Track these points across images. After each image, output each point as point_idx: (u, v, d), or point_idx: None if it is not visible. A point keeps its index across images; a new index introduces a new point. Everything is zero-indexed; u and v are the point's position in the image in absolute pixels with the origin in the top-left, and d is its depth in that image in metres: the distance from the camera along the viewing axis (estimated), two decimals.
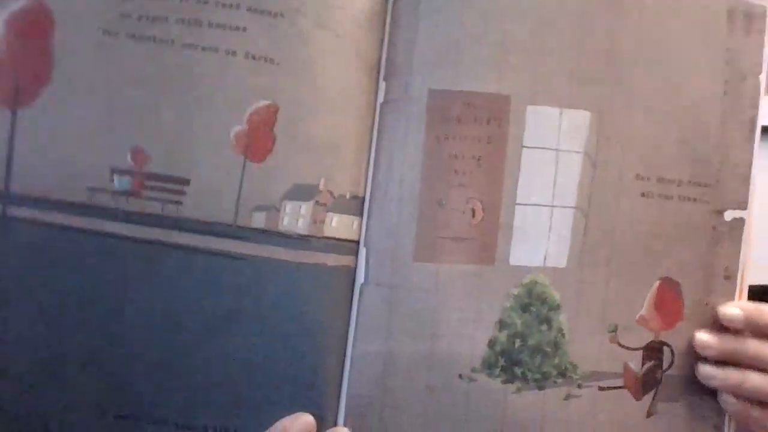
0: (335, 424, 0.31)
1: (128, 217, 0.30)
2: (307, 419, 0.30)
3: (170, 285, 0.30)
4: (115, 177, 0.30)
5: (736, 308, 0.32)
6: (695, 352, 0.32)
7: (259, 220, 0.31)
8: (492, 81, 0.31)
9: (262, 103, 0.31)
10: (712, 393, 0.33)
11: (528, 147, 0.31)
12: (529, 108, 0.31)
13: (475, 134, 0.31)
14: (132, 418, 0.30)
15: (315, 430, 0.30)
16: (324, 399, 0.31)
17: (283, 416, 0.30)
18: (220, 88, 0.31)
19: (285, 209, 0.31)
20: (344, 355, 0.32)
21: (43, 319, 0.30)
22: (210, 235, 0.31)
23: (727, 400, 0.32)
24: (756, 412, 0.31)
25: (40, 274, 0.30)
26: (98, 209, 0.30)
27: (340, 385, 0.31)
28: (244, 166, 0.31)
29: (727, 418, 0.33)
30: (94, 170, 0.30)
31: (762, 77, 0.33)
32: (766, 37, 0.33)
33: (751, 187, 0.33)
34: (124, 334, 0.30)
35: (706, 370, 0.32)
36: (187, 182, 0.31)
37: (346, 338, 0.32)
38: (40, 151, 0.30)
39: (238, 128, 0.31)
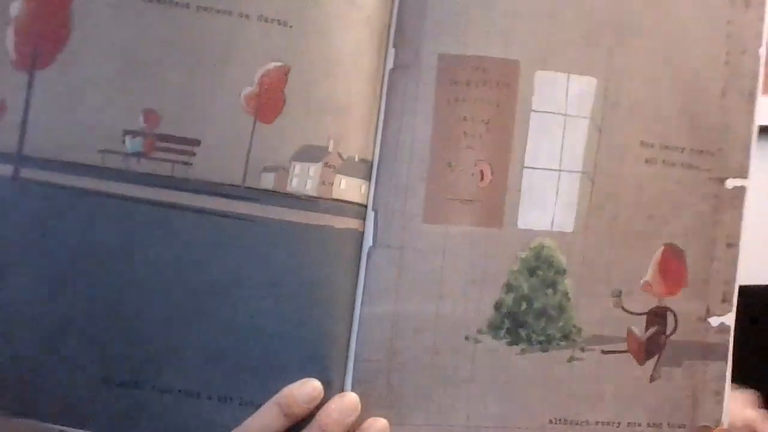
0: (342, 389, 0.31)
1: (139, 179, 0.30)
2: (314, 385, 0.30)
3: (179, 247, 0.30)
4: (127, 138, 0.30)
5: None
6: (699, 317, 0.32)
7: (267, 181, 0.31)
8: (501, 46, 0.31)
9: (274, 64, 0.31)
10: (713, 359, 0.33)
11: (536, 111, 0.31)
12: (538, 73, 0.31)
13: (484, 97, 0.31)
14: (135, 386, 0.30)
15: (322, 395, 0.30)
16: (331, 364, 0.31)
17: (289, 383, 0.30)
18: (233, 50, 0.30)
19: (294, 170, 0.31)
20: (352, 319, 0.31)
21: (49, 283, 0.30)
22: (219, 196, 0.30)
23: None
24: None
25: (50, 237, 0.30)
26: (110, 171, 0.30)
27: (347, 350, 0.31)
28: (254, 126, 0.31)
29: (727, 384, 0.33)
30: (107, 132, 0.30)
31: (762, 51, 0.33)
32: (765, 12, 0.33)
33: (752, 157, 0.33)
34: (130, 298, 0.30)
35: None
36: (197, 143, 0.30)
37: (354, 302, 0.31)
38: (54, 114, 0.30)
39: (249, 89, 0.31)
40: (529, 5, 0.31)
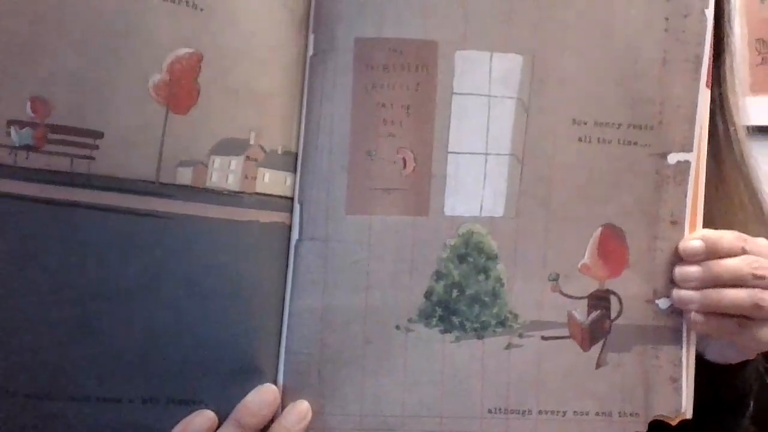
0: (275, 382, 0.24)
1: (31, 175, 0.22)
2: (207, 416, 0.23)
3: (83, 249, 0.23)
4: (12, 129, 0.22)
5: (696, 240, 0.25)
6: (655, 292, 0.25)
7: (184, 176, 0.23)
8: (419, 27, 0.24)
9: (184, 50, 0.23)
10: (665, 343, 0.25)
11: (458, 93, 0.24)
12: (458, 53, 0.24)
13: (403, 82, 0.24)
14: (45, 396, 0.23)
15: (215, 425, 0.23)
16: (262, 358, 0.24)
17: (218, 378, 0.23)
18: (134, 33, 0.22)
19: (213, 164, 0.23)
20: (281, 313, 0.24)
21: None
22: (129, 192, 0.23)
23: (697, 320, 0.25)
24: (730, 325, 0.25)
25: None
26: None
27: (278, 345, 0.25)
28: (166, 117, 0.23)
29: (684, 369, 0.25)
30: None
31: (708, 12, 0.25)
32: None
33: (697, 129, 0.25)
34: (30, 305, 0.23)
35: (685, 295, 0.25)
36: (99, 135, 0.22)
37: (283, 296, 0.24)
38: None
39: (158, 77, 0.23)
40: None
